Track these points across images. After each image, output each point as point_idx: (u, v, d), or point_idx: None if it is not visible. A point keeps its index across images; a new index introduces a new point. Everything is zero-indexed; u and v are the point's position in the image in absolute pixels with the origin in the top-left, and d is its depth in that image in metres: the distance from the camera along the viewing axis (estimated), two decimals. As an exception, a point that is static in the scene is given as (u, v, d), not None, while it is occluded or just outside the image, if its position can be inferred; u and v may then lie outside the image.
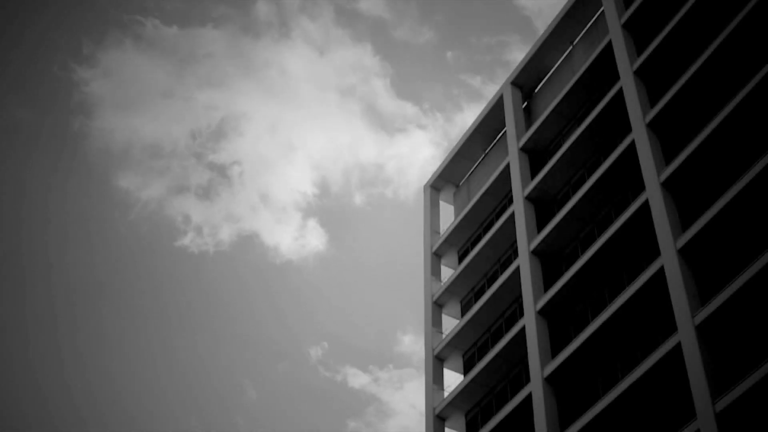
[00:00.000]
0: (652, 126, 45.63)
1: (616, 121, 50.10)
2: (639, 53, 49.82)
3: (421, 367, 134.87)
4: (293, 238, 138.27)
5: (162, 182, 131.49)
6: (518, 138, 57.78)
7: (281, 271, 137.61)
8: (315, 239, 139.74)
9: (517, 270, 52.14)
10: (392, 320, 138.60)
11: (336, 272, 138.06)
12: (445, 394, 55.28)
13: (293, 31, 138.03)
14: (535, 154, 57.30)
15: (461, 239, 61.81)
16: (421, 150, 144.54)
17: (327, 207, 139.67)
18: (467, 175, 65.98)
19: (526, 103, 61.68)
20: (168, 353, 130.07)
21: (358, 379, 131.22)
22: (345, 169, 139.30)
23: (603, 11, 55.55)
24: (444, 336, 57.50)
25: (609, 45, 51.71)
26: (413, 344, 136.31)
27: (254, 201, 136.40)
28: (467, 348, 56.59)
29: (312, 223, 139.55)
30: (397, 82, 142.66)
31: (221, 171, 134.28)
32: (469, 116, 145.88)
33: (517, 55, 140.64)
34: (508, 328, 53.41)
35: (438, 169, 66.60)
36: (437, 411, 54.37)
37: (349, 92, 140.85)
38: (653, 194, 42.89)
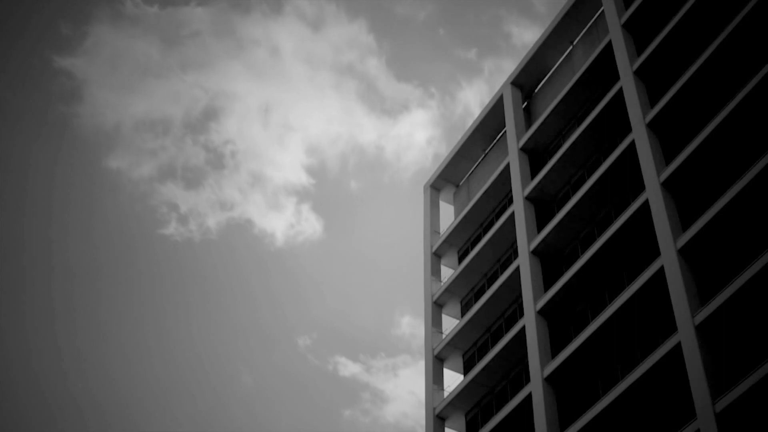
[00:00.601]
0: (652, 126, 45.63)
1: (616, 121, 50.10)
2: (639, 53, 49.83)
3: (415, 354, 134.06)
4: (288, 224, 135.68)
5: (151, 166, 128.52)
6: (518, 138, 57.80)
7: (275, 257, 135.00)
8: (310, 226, 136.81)
9: (517, 270, 52.15)
10: (388, 307, 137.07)
11: (331, 259, 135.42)
12: (445, 394, 55.30)
13: (284, 6, 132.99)
14: (535, 154, 57.31)
15: (461, 239, 61.82)
16: (419, 130, 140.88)
17: (322, 192, 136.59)
18: (467, 175, 65.99)
19: (526, 103, 61.69)
20: (163, 341, 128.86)
21: (350, 368, 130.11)
22: (341, 153, 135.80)
23: (603, 11, 55.56)
24: (444, 336, 57.51)
25: (609, 45, 51.72)
26: (409, 331, 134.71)
27: (247, 186, 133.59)
28: (467, 348, 56.60)
29: (307, 208, 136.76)
30: (393, 60, 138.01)
31: (212, 155, 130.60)
32: (469, 94, 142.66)
33: (513, 29, 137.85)
34: (508, 328, 53.41)
35: (438, 169, 66.60)
36: (437, 411, 54.38)
37: (345, 71, 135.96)
38: (653, 194, 42.89)
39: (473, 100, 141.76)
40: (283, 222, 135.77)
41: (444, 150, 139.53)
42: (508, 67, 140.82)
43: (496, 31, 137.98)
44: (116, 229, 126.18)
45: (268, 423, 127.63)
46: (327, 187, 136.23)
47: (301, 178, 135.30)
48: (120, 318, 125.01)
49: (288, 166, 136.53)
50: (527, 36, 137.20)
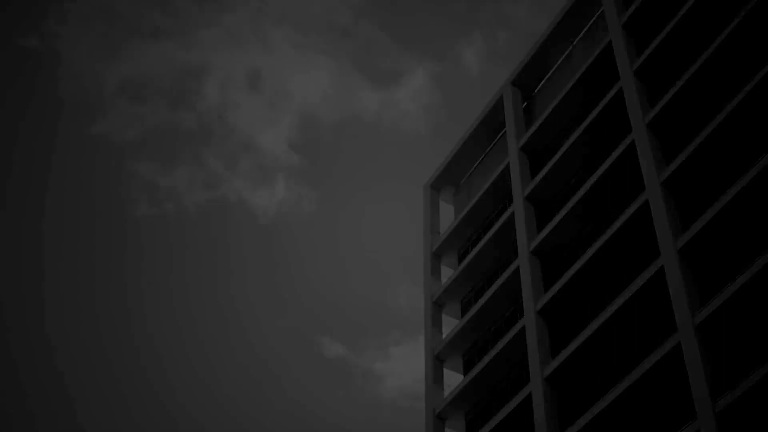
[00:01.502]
0: (652, 126, 45.63)
1: (616, 121, 50.11)
2: (639, 53, 49.84)
3: (407, 329, 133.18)
4: (278, 200, 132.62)
5: (135, 133, 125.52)
6: (518, 138, 57.81)
7: (264, 233, 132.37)
8: (300, 200, 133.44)
9: (517, 270, 52.15)
10: (382, 285, 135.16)
11: (323, 237, 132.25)
12: (445, 394, 55.31)
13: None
14: (535, 154, 57.31)
15: (461, 239, 61.82)
16: (417, 96, 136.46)
17: (314, 165, 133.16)
18: (467, 175, 66.00)
19: (526, 103, 61.70)
20: (150, 329, 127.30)
21: (335, 348, 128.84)
22: (332, 123, 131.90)
23: (603, 11, 55.57)
24: (444, 336, 57.51)
25: (609, 45, 51.73)
26: (403, 307, 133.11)
27: (234, 158, 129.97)
28: (467, 348, 56.60)
29: (297, 182, 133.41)
30: (386, 22, 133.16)
31: (199, 124, 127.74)
32: (468, 53, 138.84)
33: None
34: (508, 328, 53.42)
35: (438, 169, 66.61)
36: (437, 411, 54.39)
37: (335, 33, 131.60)
38: (653, 194, 42.89)
39: (472, 58, 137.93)
40: (273, 197, 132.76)
41: (444, 116, 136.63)
42: (503, 13, 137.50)
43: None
44: (101, 205, 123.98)
45: (260, 409, 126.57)
46: (320, 160, 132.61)
47: (291, 151, 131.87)
48: (105, 301, 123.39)
49: (277, 137, 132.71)
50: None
